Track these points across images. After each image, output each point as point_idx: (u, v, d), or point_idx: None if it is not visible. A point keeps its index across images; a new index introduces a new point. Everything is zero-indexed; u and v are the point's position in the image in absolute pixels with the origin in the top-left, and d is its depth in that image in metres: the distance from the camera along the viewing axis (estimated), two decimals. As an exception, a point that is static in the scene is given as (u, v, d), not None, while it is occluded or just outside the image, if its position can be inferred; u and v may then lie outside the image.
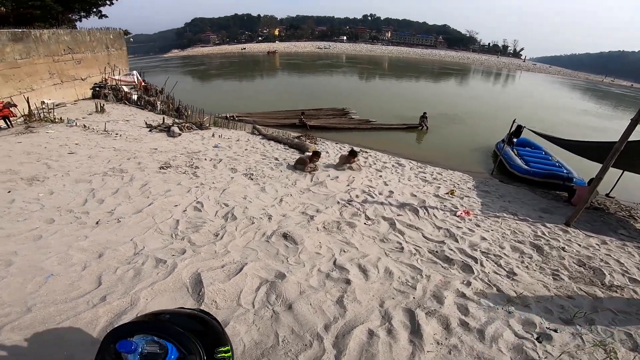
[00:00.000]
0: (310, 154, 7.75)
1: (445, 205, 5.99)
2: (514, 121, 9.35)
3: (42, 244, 3.68)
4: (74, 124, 9.72)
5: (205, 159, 7.65)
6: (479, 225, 5.16)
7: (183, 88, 25.74)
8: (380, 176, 7.67)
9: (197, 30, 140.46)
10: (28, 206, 4.56)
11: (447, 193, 6.85)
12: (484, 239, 4.66)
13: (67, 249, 3.64)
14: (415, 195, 6.36)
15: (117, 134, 9.32)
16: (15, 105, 9.59)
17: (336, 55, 77.01)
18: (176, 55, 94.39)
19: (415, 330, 2.70)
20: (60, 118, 10.13)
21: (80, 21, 20.68)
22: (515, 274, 3.74)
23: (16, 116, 9.67)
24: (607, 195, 8.26)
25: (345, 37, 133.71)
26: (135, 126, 10.62)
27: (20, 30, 11.76)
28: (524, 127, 10.22)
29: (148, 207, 4.75)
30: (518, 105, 23.98)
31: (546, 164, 9.50)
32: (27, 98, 10.42)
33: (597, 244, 4.95)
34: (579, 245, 4.79)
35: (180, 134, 10.08)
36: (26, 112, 10.07)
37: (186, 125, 10.96)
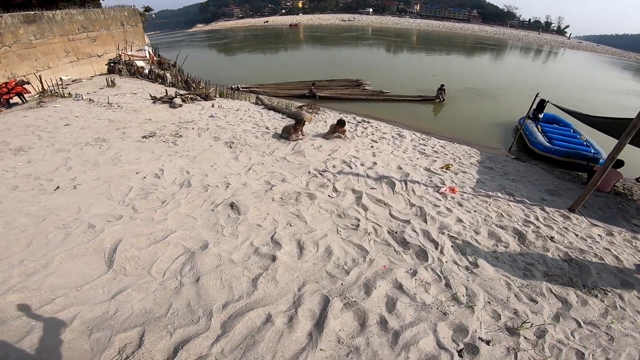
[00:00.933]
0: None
1: (431, 181, 5.32)
2: (536, 95, 8.02)
3: (-7, 205, 3.74)
4: (81, 98, 10.03)
5: (193, 129, 7.50)
6: (461, 205, 4.50)
7: (203, 61, 25.93)
8: (372, 147, 7.04)
9: (221, 4, 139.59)
10: (3, 174, 4.70)
11: (442, 167, 6.11)
12: (459, 220, 4.04)
13: (16, 214, 3.68)
14: (401, 168, 5.73)
15: (119, 106, 9.47)
16: (28, 83, 10.06)
17: (361, 28, 72.97)
18: (200, 29, 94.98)
19: (320, 323, 2.34)
20: (69, 93, 10.51)
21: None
22: (477, 266, 3.17)
23: (30, 93, 10.15)
24: (637, 179, 6.94)
25: (371, 10, 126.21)
26: (140, 98, 10.74)
27: (32, 12, 12.10)
28: (547, 101, 8.79)
29: (108, 175, 4.70)
30: (557, 83, 20.77)
31: (572, 143, 8.16)
32: (40, 76, 10.89)
33: (599, 234, 4.10)
34: (576, 235, 3.98)
35: (181, 105, 10.03)
36: (44, 88, 10.52)
37: (189, 96, 10.86)
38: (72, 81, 12.80)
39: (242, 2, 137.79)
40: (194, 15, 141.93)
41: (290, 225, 3.74)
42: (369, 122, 9.33)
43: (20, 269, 2.80)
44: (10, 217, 3.62)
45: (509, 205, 4.63)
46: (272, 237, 3.43)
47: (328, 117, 9.81)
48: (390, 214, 4.12)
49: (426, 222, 3.94)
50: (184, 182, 4.63)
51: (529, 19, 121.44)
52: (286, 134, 6.98)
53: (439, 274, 3.01)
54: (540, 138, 8.23)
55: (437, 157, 6.78)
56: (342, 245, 3.42)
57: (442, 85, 13.38)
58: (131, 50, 17.27)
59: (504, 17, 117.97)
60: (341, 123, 7.15)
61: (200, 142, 6.61)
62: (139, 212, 3.79)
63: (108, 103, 9.63)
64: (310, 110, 10.37)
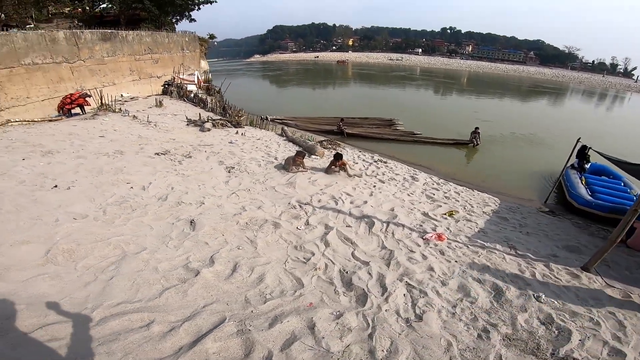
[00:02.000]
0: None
1: (421, 225, 5.00)
2: (577, 140, 7.34)
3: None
4: (127, 114, 11.69)
5: (206, 151, 8.19)
6: (442, 253, 4.12)
7: (252, 90, 28.70)
8: (374, 186, 6.92)
9: (277, 37, 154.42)
10: (22, 170, 5.60)
11: (445, 213, 5.74)
12: (430, 269, 3.70)
13: (7, 202, 4.32)
14: (393, 210, 5.51)
15: (155, 124, 10.80)
16: (89, 96, 12.07)
17: (409, 68, 75.08)
18: (257, 60, 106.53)
19: (196, 341, 2.26)
20: (120, 109, 12.32)
21: (177, 24, 25.23)
22: (421, 320, 2.83)
23: (90, 105, 12.14)
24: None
25: (420, 50, 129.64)
26: (177, 120, 12.14)
27: (109, 31, 14.86)
28: (590, 148, 7.92)
29: (102, 181, 5.31)
30: (621, 132, 18.47)
31: (619, 197, 7.12)
32: (100, 91, 13.00)
33: (611, 296, 3.38)
34: (577, 296, 3.34)
35: (209, 130, 11.08)
36: (102, 102, 12.56)
37: (220, 122, 11.98)
38: (130, 98, 15.04)
39: (297, 37, 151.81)
40: (254, 46, 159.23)
41: (238, 248, 3.78)
42: (385, 162, 9.25)
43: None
44: (1, 204, 4.23)
45: (503, 258, 4.10)
46: (211, 256, 3.50)
47: (346, 153, 9.98)
48: (353, 254, 3.94)
49: (388, 267, 3.68)
50: (162, 196, 5.02)
51: (593, 61, 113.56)
52: (287, 165, 7.24)
53: (369, 322, 2.74)
54: (582, 190, 7.34)
55: (445, 203, 6.39)
56: (280, 275, 3.34)
57: (476, 128, 12.95)
58: (184, 74, 19.92)
59: (564, 59, 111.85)
60: (337, 157, 7.25)
61: (204, 164, 7.16)
62: (106, 214, 4.18)
63: (147, 121, 11.05)
64: (330, 146, 10.67)
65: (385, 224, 4.86)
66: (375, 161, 9.36)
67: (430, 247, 4.29)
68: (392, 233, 4.62)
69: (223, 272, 3.26)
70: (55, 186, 5.00)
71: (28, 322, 2.16)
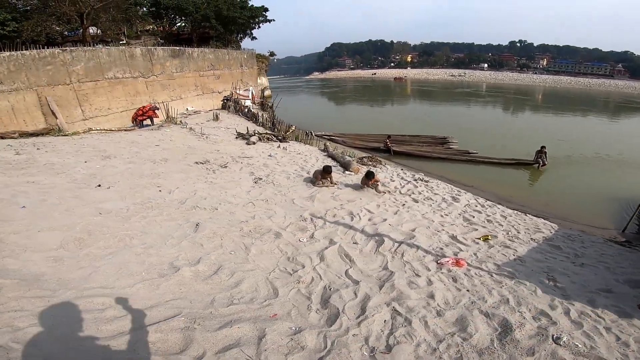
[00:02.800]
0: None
1: (442, 249, 4.57)
2: None
3: (47, 190, 5.38)
4: (185, 126, 13.19)
5: (242, 162, 8.79)
6: (455, 280, 3.70)
7: (308, 106, 29.89)
8: (404, 205, 6.58)
9: (335, 55, 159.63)
10: (80, 170, 6.72)
11: (479, 238, 5.20)
12: (430, 296, 3.35)
13: (54, 196, 5.20)
14: (414, 230, 5.15)
15: (207, 137, 11.99)
16: (158, 109, 13.97)
17: (473, 84, 71.19)
18: (316, 77, 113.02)
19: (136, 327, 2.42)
20: (180, 121, 13.96)
21: (241, 41, 28.26)
22: (389, 351, 2.56)
23: (158, 117, 14.03)
24: None
25: (486, 65, 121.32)
26: (228, 133, 13.29)
27: (177, 48, 17.12)
28: None
29: (138, 184, 6.07)
30: None
31: None
32: (166, 104, 14.92)
33: None
34: (617, 338, 2.66)
35: (254, 143, 11.87)
36: (168, 115, 14.45)
37: (266, 136, 12.76)
38: (194, 112, 17.01)
39: (354, 54, 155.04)
40: (313, 63, 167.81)
41: (230, 253, 3.93)
42: (426, 182, 8.74)
43: (14, 227, 3.92)
44: (49, 195, 5.11)
45: (533, 292, 3.49)
46: (200, 257, 3.70)
47: (383, 171, 9.71)
48: (347, 272, 3.78)
49: (380, 289, 3.43)
50: (183, 199, 5.50)
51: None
52: (314, 179, 7.34)
53: (327, 344, 2.57)
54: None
55: (484, 227, 5.75)
56: (258, 283, 3.38)
57: (542, 147, 11.67)
58: (240, 90, 21.86)
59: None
60: (369, 175, 7.08)
61: (235, 174, 7.68)
62: (127, 212, 4.74)
63: (201, 133, 12.33)
64: (369, 163, 10.52)
65: (397, 244, 4.57)
66: (415, 180, 8.91)
67: (442, 272, 3.89)
68: (402, 254, 4.31)
69: (204, 272, 3.42)
70: (99, 185, 5.87)
71: (10, 294, 2.56)
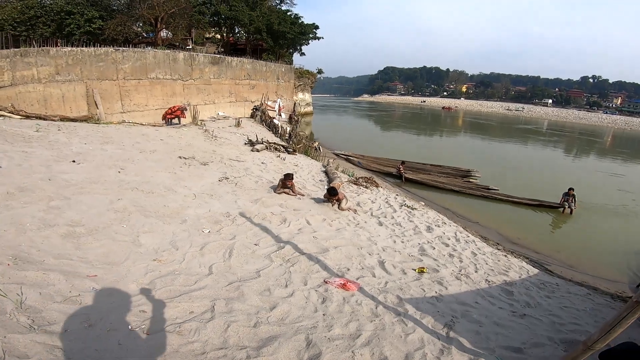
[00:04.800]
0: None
1: (349, 270, 4.26)
2: None
3: (30, 158, 6.19)
4: (203, 128, 14.20)
5: (226, 164, 9.18)
6: (323, 301, 3.40)
7: (345, 126, 29.92)
8: (357, 224, 6.28)
9: (387, 79, 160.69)
10: (72, 148, 7.62)
11: (415, 269, 4.79)
12: (270, 308, 3.12)
13: (33, 163, 5.92)
14: (336, 248, 4.87)
15: (216, 138, 12.78)
16: (186, 109, 15.27)
17: (533, 120, 66.64)
18: (364, 99, 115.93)
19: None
20: (201, 122, 15.07)
21: (292, 55, 30.07)
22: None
23: (185, 117, 15.33)
24: None
25: (550, 101, 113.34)
26: (241, 139, 14.00)
27: (218, 56, 18.67)
28: None
29: (106, 165, 6.71)
30: None
31: None
32: (194, 107, 16.26)
33: None
34: None
35: (258, 151, 12.33)
36: (195, 116, 15.75)
37: (274, 146, 13.19)
38: (223, 117, 18.24)
39: (406, 80, 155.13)
40: (364, 85, 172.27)
41: (123, 226, 4.11)
42: (411, 209, 8.23)
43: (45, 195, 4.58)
44: (26, 162, 5.85)
45: (404, 335, 3.05)
46: (81, 219, 3.93)
47: (375, 193, 9.37)
48: (212, 266, 3.70)
49: (225, 286, 3.31)
50: (131, 181, 5.95)
51: None
52: (276, 187, 7.39)
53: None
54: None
55: (435, 260, 5.24)
56: (116, 250, 3.47)
57: (569, 189, 10.38)
58: (269, 101, 22.95)
59: None
60: (330, 192, 6.90)
61: (208, 171, 8.01)
62: (72, 182, 5.25)
63: (212, 135, 13.17)
64: (364, 183, 10.25)
65: (298, 254, 4.36)
66: (400, 206, 8.42)
67: (318, 290, 3.61)
68: (294, 264, 4.10)
69: (75, 232, 3.67)
70: (73, 161, 6.58)
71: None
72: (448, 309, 3.80)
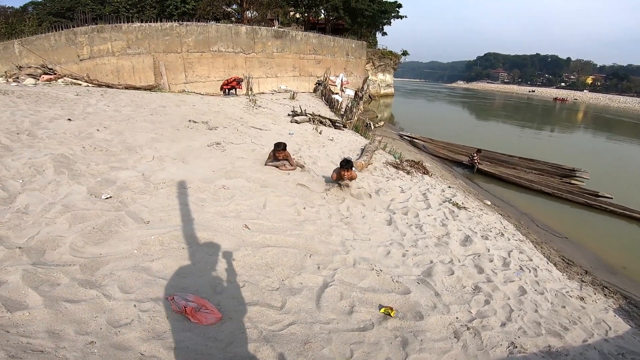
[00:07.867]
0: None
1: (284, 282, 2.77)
2: None
3: (37, 114, 6.27)
4: (249, 98, 13.70)
5: (239, 130, 8.34)
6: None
7: (436, 113, 26.46)
8: (364, 217, 4.58)
9: (488, 65, 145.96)
10: (86, 109, 7.67)
11: (383, 309, 2.99)
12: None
13: (40, 118, 5.95)
14: (313, 237, 3.39)
15: (259, 109, 12.13)
16: (242, 81, 15.04)
17: None
18: (459, 86, 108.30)
19: None
20: (252, 93, 14.62)
21: (375, 36, 27.99)
22: None
23: (241, 89, 15.14)
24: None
25: None
26: (286, 110, 13.08)
27: (281, 29, 17.95)
28: None
29: (98, 123, 6.47)
30: None
31: None
32: (249, 79, 15.82)
33: None
34: None
35: (298, 123, 11.23)
36: (251, 87, 15.47)
37: (318, 119, 11.89)
38: (285, 90, 17.72)
39: (512, 67, 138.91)
40: (459, 71, 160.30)
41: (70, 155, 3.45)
42: (460, 207, 6.02)
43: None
44: (35, 118, 5.91)
45: None
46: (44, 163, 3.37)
47: (416, 182, 7.32)
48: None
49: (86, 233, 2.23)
50: (110, 140, 5.46)
51: None
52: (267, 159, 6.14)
53: None
54: None
55: (450, 298, 3.29)
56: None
57: None
58: (332, 76, 21.35)
59: None
60: (343, 165, 5.20)
61: (207, 136, 7.23)
62: (55, 136, 4.94)
63: (255, 105, 12.56)
64: (410, 169, 8.21)
65: (178, 243, 3.04)
66: (442, 203, 6.22)
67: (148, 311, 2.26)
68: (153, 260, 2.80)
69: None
70: (69, 119, 6.48)
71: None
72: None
